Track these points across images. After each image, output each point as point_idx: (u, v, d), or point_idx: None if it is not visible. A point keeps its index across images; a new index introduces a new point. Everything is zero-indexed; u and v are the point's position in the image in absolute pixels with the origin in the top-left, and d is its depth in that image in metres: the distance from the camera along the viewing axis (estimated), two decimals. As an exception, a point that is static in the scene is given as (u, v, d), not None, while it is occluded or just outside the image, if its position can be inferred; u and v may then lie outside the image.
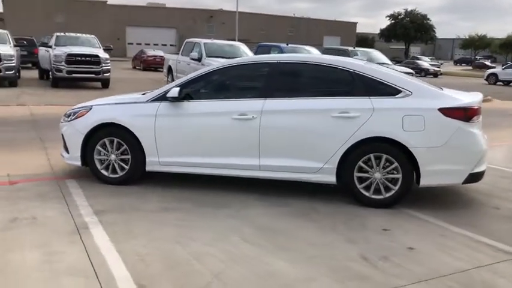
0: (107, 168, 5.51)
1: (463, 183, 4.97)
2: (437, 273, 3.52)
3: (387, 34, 75.42)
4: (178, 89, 5.29)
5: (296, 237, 4.15)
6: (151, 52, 33.26)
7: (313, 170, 5.03)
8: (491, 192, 5.74)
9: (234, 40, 23.70)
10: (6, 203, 4.71)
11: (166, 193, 5.25)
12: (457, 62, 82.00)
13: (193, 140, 5.30)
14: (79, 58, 16.19)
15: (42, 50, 18.69)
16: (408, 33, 71.89)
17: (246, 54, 15.54)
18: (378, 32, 78.83)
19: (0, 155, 6.73)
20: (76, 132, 5.55)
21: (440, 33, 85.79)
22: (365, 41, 75.77)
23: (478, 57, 79.57)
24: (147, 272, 3.38)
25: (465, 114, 4.82)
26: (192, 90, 5.41)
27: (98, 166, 5.50)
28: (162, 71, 22.23)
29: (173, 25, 60.93)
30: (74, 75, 16.20)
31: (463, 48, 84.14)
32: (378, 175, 4.91)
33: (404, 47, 76.03)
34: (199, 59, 14.82)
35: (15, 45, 17.28)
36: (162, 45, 56.25)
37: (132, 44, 58.04)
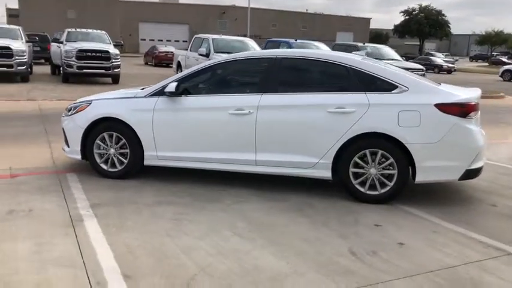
0: (106, 162, 5.58)
1: (459, 179, 4.93)
2: (424, 268, 3.52)
3: (401, 30, 74.55)
4: (175, 84, 5.33)
5: (288, 232, 4.16)
6: (163, 48, 33.50)
7: (309, 165, 5.04)
8: (490, 189, 5.68)
9: (245, 36, 23.73)
10: (6, 196, 4.79)
11: (163, 187, 5.30)
12: (473, 59, 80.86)
13: (191, 135, 5.34)
14: (89, 54, 16.35)
15: (54, 46, 18.92)
16: (422, 29, 70.91)
17: (255, 50, 15.53)
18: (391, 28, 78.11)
19: (5, 148, 6.85)
20: (76, 126, 5.63)
21: (456, 29, 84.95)
22: (379, 37, 75.17)
23: (494, 53, 78.33)
24: (135, 264, 3.43)
25: (462, 110, 4.78)
26: (189, 85, 5.45)
27: (98, 160, 5.57)
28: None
29: (186, 21, 61.13)
30: (84, 70, 16.38)
31: (479, 44, 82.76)
32: (373, 171, 4.90)
33: (418, 43, 75.14)
34: (207, 55, 14.92)
35: (27, 41, 17.51)
36: (175, 41, 56.58)
37: (144, 40, 58.47)
